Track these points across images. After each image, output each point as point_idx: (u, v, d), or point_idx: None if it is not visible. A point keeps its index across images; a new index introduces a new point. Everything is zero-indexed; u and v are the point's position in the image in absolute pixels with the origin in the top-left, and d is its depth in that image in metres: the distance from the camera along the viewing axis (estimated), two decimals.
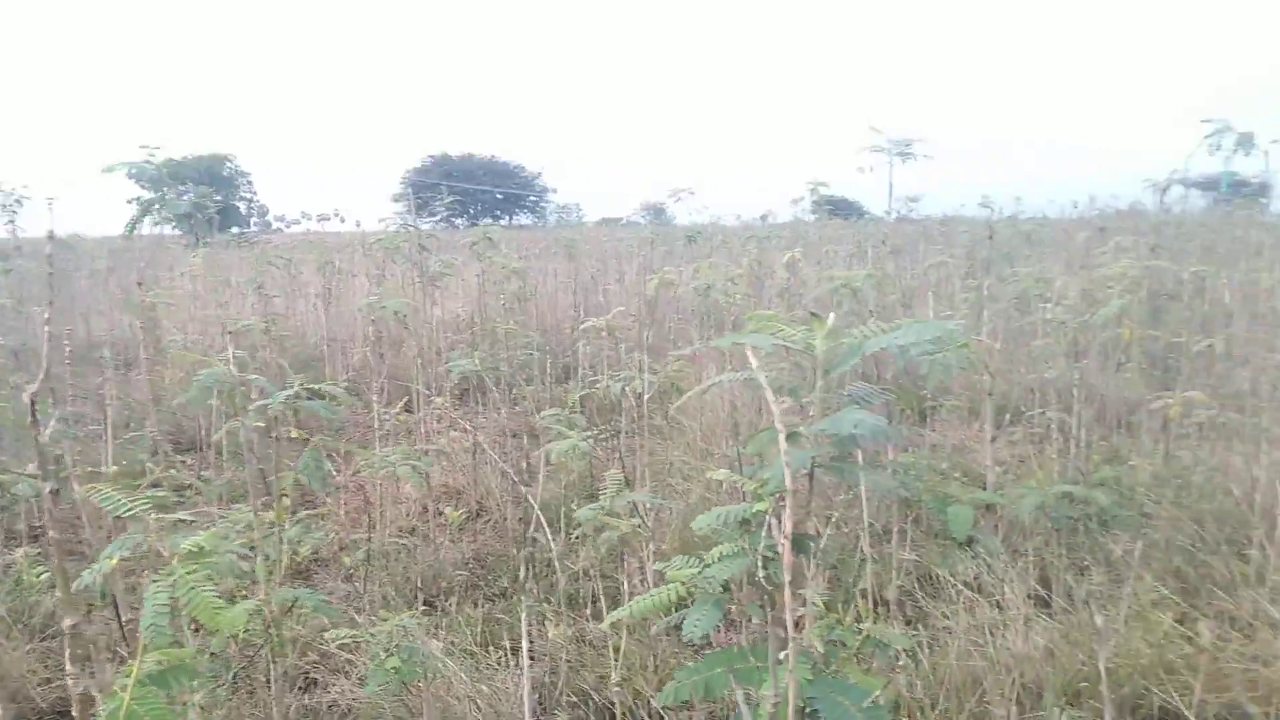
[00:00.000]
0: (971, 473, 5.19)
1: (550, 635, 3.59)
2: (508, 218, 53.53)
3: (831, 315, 1.77)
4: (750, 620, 2.72)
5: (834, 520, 4.69)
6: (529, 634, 2.95)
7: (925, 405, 6.06)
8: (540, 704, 3.25)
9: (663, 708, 2.87)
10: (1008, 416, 5.25)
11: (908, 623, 3.69)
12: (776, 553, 1.69)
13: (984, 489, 4.42)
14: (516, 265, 7.25)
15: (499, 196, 55.04)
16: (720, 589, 1.59)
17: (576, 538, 4.33)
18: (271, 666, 2.79)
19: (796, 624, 1.73)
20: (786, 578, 1.36)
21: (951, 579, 3.68)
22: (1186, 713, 2.98)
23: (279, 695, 2.74)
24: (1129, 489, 4.60)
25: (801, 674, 1.54)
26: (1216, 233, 11.45)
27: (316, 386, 2.90)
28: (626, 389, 4.09)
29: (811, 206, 15.94)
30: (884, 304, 8.16)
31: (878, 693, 1.55)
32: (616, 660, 2.41)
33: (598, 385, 4.30)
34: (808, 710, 1.63)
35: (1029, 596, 3.59)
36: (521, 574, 2.43)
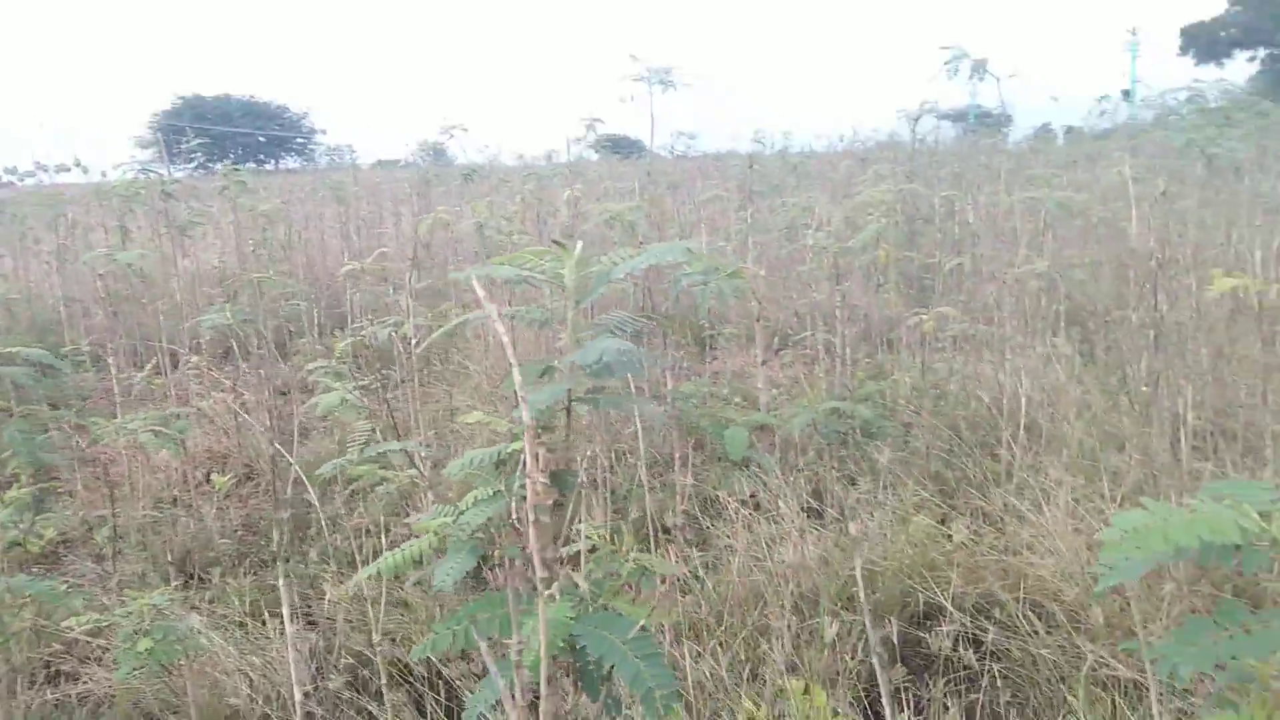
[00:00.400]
0: (750, 397, 5.36)
1: (329, 597, 3.41)
2: (274, 162, 50.40)
3: (579, 244, 1.69)
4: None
5: (621, 452, 4.73)
6: (292, 599, 2.77)
7: (705, 334, 6.20)
8: (318, 669, 3.08)
9: (440, 660, 2.78)
10: (775, 340, 5.44)
11: (692, 546, 3.76)
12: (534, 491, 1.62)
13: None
14: (266, 207, 6.74)
15: (261, 139, 51.63)
16: (475, 535, 1.51)
17: (352, 494, 4.14)
18: None
19: (559, 563, 1.68)
20: (531, 517, 1.29)
21: (729, 499, 3.78)
22: (947, 605, 3.21)
23: (6, 693, 2.44)
24: (891, 401, 4.88)
25: (563, 613, 1.48)
26: (964, 160, 12.29)
27: (11, 351, 2.55)
28: (394, 335, 3.90)
29: (594, 144, 15.85)
30: (664, 238, 8.25)
31: (642, 621, 1.52)
32: (377, 619, 2.29)
33: (363, 332, 4.08)
34: (577, 646, 1.59)
35: (802, 509, 3.73)
36: (276, 538, 2.25)
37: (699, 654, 2.90)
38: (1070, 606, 3.07)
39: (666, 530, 3.77)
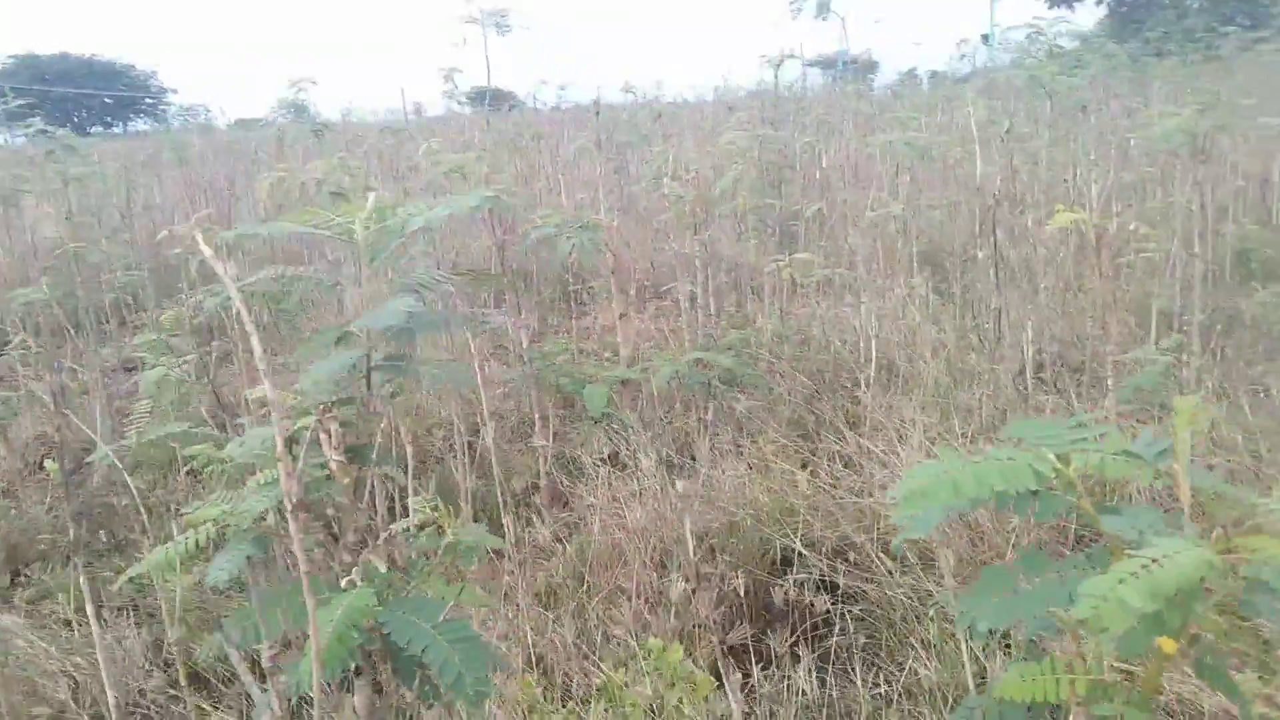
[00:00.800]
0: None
1: (165, 586, 3.19)
2: (122, 124, 47.42)
3: (372, 196, 1.55)
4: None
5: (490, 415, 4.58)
6: (97, 597, 2.59)
7: (570, 289, 6.08)
8: (151, 664, 2.89)
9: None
10: (640, 292, 5.35)
11: (551, 508, 3.67)
12: (330, 470, 1.49)
13: None
14: (77, 172, 6.26)
15: (108, 101, 48.42)
16: (257, 523, 1.37)
17: (191, 477, 3.90)
18: None
19: (364, 545, 1.56)
20: (289, 504, 1.16)
21: (589, 458, 3.70)
22: (805, 552, 3.20)
23: None
24: (755, 349, 4.87)
25: (364, 600, 1.36)
26: (830, 107, 12.38)
27: None
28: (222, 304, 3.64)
29: (463, 97, 15.37)
30: (533, 193, 8.06)
31: (451, 602, 1.41)
32: (172, 617, 2.13)
33: (187, 303, 3.80)
34: (386, 631, 1.48)
35: (663, 463, 3.67)
36: (73, 533, 2.06)
37: (556, 619, 2.83)
38: (922, 546, 3.11)
39: (525, 494, 3.67)
